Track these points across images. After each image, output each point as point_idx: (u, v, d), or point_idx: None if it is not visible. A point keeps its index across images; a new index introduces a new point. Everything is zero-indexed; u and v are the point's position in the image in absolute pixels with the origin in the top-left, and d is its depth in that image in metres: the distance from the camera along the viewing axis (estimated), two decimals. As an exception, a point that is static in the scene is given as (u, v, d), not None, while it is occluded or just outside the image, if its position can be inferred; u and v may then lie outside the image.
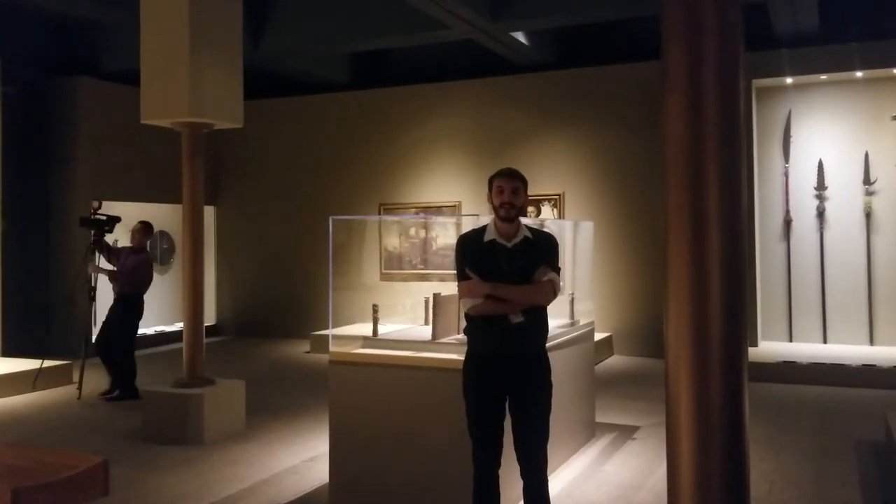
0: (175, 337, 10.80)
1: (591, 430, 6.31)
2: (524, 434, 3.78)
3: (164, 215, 11.80)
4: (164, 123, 6.65)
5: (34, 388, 8.16)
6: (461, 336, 4.95)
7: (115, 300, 8.00)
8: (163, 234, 12.56)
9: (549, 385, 3.88)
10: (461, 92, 11.48)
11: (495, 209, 3.75)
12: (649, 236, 10.38)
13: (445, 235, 11.15)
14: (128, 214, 11.98)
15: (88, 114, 11.08)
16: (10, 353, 9.23)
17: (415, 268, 11.30)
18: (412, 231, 11.50)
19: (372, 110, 12.08)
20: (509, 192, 3.73)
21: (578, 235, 6.46)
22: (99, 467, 3.89)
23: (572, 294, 6.00)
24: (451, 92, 11.54)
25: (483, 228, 3.83)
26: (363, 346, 4.97)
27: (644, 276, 10.42)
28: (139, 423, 6.66)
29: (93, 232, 8.06)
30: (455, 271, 3.90)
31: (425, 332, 5.14)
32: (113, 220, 8.19)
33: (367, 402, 4.75)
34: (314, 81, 12.39)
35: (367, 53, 12.30)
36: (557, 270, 3.87)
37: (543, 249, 3.80)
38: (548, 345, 3.99)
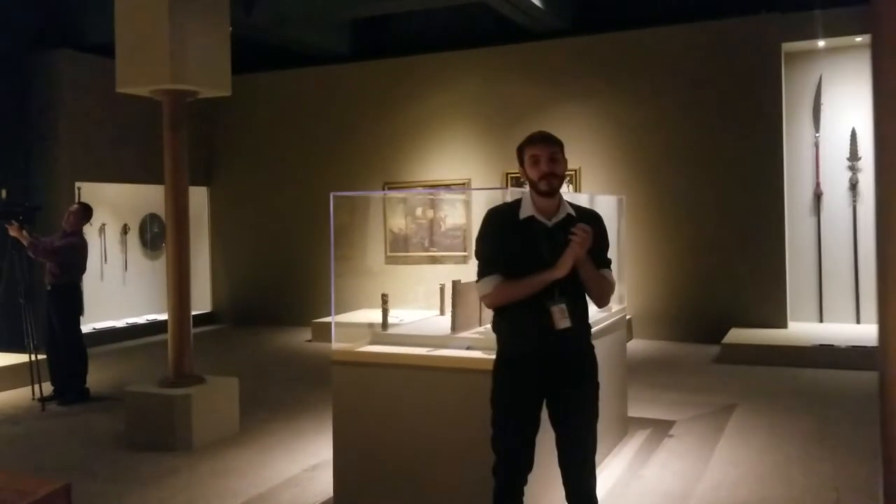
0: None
1: (624, 427, 5.68)
2: (573, 452, 3.16)
3: (154, 197, 11.14)
4: (143, 92, 5.97)
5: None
6: (484, 328, 4.32)
7: (49, 292, 7.27)
8: (153, 217, 11.92)
9: (598, 388, 3.24)
10: (470, 62, 10.75)
11: (533, 183, 3.10)
12: (671, 215, 9.72)
13: (454, 215, 10.48)
14: (114, 197, 11.41)
15: (70, 89, 10.37)
16: None
17: (426, 250, 10.64)
18: (419, 211, 10.83)
19: (375, 83, 11.35)
20: (546, 159, 3.08)
21: (610, 211, 5.79)
22: (60, 493, 3.27)
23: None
24: (459, 62, 10.81)
25: (517, 202, 3.18)
26: (371, 343, 4.33)
27: (664, 256, 9.76)
28: (122, 428, 6.03)
29: (8, 227, 7.08)
30: (474, 252, 3.23)
31: (442, 323, 4.51)
32: (30, 210, 7.35)
33: (375, 407, 4.11)
34: (313, 53, 11.64)
35: (369, 21, 11.56)
36: (608, 262, 3.23)
37: (592, 229, 3.08)
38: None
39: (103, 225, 11.24)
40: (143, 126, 10.04)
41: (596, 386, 3.24)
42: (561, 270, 2.99)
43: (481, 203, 10.44)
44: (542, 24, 10.05)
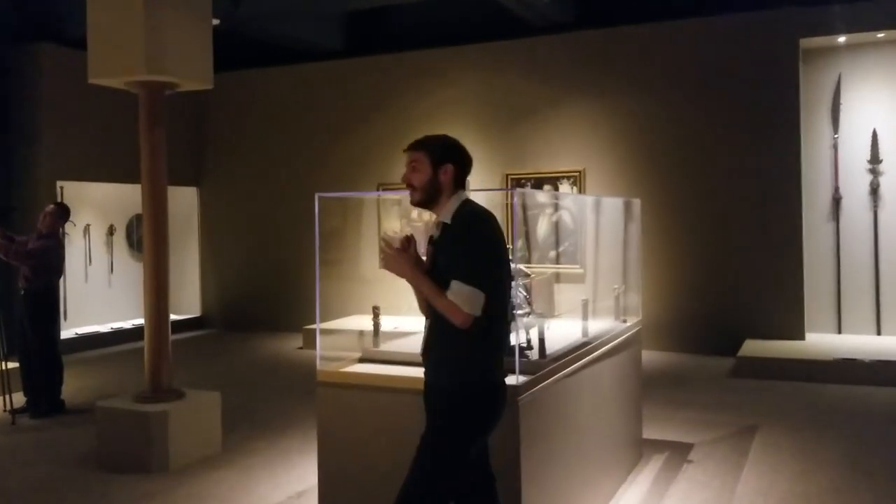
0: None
1: (638, 451, 5.21)
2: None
3: (140, 198, 10.64)
4: (117, 84, 5.51)
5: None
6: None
7: (22, 297, 6.81)
8: (140, 218, 11.41)
9: (444, 439, 2.92)
10: (469, 58, 10.28)
11: None
12: (681, 219, 9.25)
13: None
14: (99, 197, 10.93)
15: (51, 83, 9.89)
16: None
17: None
18: (415, 213, 10.35)
19: (369, 80, 10.88)
20: (407, 167, 2.94)
21: (624, 216, 5.32)
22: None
23: (619, 288, 4.88)
24: (457, 58, 10.34)
25: None
26: (361, 360, 3.86)
27: (673, 263, 9.30)
28: (94, 446, 5.55)
29: None
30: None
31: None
32: (4, 211, 6.88)
33: (365, 433, 3.63)
34: (305, 48, 11.17)
35: (364, 14, 11.08)
36: (467, 276, 2.70)
37: (452, 238, 2.82)
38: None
39: (88, 226, 10.78)
40: (128, 123, 9.51)
41: (440, 433, 2.83)
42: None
43: (482, 203, 9.97)
44: (546, 18, 9.59)
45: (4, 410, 6.67)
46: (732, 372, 7.95)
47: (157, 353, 5.50)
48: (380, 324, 3.96)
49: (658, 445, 5.49)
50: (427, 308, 2.90)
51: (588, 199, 4.63)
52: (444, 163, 2.87)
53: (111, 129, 10.22)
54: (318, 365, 3.71)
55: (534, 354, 3.62)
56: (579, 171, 9.33)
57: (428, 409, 2.92)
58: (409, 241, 2.89)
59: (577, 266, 8.80)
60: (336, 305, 10.12)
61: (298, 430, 6.07)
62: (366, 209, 10.68)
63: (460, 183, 2.92)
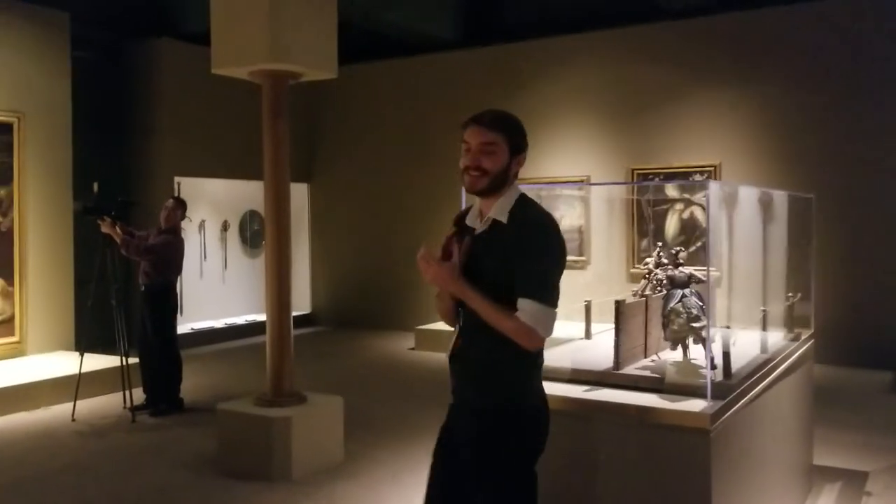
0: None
1: (809, 480, 4.61)
2: None
3: (253, 193, 10.62)
4: (240, 74, 5.29)
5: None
6: (652, 359, 3.41)
7: (142, 293, 6.73)
8: (253, 214, 11.46)
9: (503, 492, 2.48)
10: (592, 46, 9.72)
11: (462, 176, 2.47)
12: (845, 218, 8.25)
13: (571, 215, 9.50)
14: (213, 192, 10.98)
15: (170, 79, 9.95)
16: (88, 347, 7.93)
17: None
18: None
19: (486, 71, 10.47)
20: (477, 150, 2.41)
21: (792, 215, 4.72)
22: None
23: (793, 297, 4.29)
24: (579, 46, 9.79)
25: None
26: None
27: (827, 267, 8.46)
28: (215, 449, 5.38)
29: (100, 222, 6.51)
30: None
31: (591, 351, 3.62)
32: (124, 205, 6.78)
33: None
34: (418, 40, 10.87)
35: (479, 3, 10.67)
36: (542, 295, 2.33)
37: (513, 242, 2.35)
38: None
39: (203, 221, 10.84)
40: (244, 119, 9.52)
41: (501, 471, 2.39)
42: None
43: (602, 201, 9.45)
44: (674, 2, 8.91)
45: (124, 407, 6.63)
46: (893, 387, 7.14)
47: (279, 355, 5.26)
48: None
49: (828, 473, 4.86)
50: (455, 313, 2.48)
51: (753, 193, 4.05)
52: (521, 152, 2.47)
53: (228, 126, 10.22)
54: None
55: (715, 375, 3.13)
56: (714, 166, 8.64)
57: (459, 437, 2.46)
58: (454, 243, 2.42)
59: (713, 269, 8.13)
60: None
61: (425, 439, 5.70)
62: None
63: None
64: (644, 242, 8.91)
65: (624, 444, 2.90)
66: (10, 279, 7.75)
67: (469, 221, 2.50)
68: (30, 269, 7.92)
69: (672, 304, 3.25)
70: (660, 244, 4.13)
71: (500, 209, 2.41)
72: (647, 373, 3.21)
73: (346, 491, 4.77)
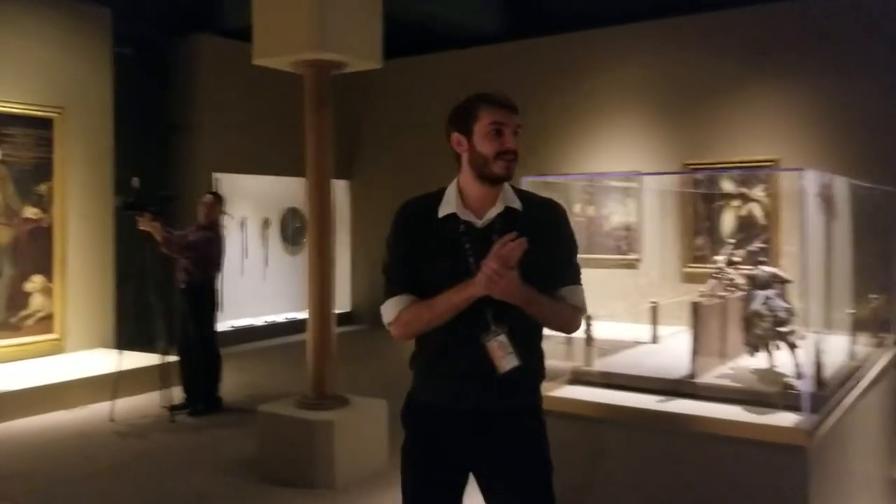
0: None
1: (891, 496, 4.26)
2: None
3: (294, 190, 10.49)
4: (283, 65, 5.10)
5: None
6: (730, 367, 3.12)
7: (182, 291, 6.57)
8: (294, 211, 11.32)
9: (550, 469, 2.28)
10: (641, 36, 9.34)
11: (482, 162, 2.22)
12: None
13: (621, 212, 9.18)
14: (253, 189, 10.86)
15: (209, 75, 9.85)
16: (127, 345, 7.74)
17: (585, 252, 9.36)
18: (577, 207, 9.57)
19: (529, 64, 10.16)
20: (512, 132, 2.22)
21: (874, 209, 4.37)
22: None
23: (877, 298, 3.96)
24: (627, 37, 9.44)
25: (437, 194, 2.36)
26: (571, 381, 3.19)
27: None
28: (254, 451, 5.19)
29: (138, 218, 6.35)
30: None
31: (659, 356, 3.34)
32: (164, 200, 6.64)
33: (577, 472, 2.96)
34: (462, 34, 10.60)
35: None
36: (573, 277, 2.29)
37: (543, 229, 2.22)
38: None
39: (244, 218, 10.73)
40: (284, 116, 9.35)
41: (547, 465, 2.26)
42: (479, 286, 2.09)
43: (652, 197, 9.09)
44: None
45: (163, 407, 6.49)
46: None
47: (320, 356, 5.05)
48: (593, 337, 3.27)
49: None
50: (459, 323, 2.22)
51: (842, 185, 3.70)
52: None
53: (268, 122, 10.10)
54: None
55: (802, 384, 2.83)
56: (773, 161, 8.24)
57: (495, 448, 2.23)
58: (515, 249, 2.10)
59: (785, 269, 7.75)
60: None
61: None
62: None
63: None
64: (699, 240, 8.54)
65: (706, 461, 2.63)
66: (50, 275, 7.68)
67: (461, 215, 2.25)
68: (70, 266, 7.84)
69: (755, 306, 2.97)
70: (732, 241, 3.83)
71: (509, 196, 2.26)
72: (727, 382, 2.93)
73: (392, 500, 4.53)
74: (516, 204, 2.24)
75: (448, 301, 2.15)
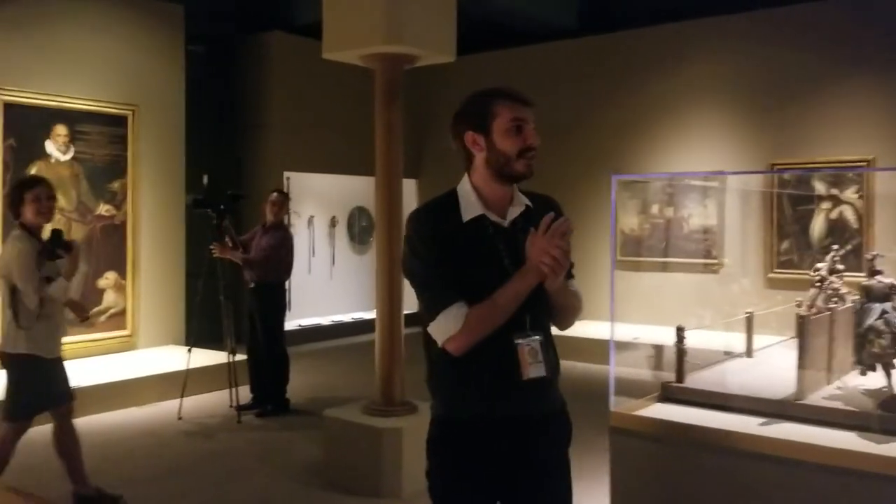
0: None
1: None
2: None
3: (362, 189, 10.41)
4: (353, 58, 4.95)
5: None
6: (837, 387, 2.82)
7: (251, 291, 6.51)
8: (361, 210, 11.24)
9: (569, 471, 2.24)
10: (722, 31, 8.92)
11: (503, 161, 2.13)
12: None
13: (701, 214, 8.78)
14: (321, 188, 10.82)
15: (280, 73, 9.83)
16: (196, 343, 7.82)
17: (661, 255, 9.01)
18: (655, 208, 9.22)
19: (604, 60, 9.84)
20: (532, 128, 2.15)
21: None
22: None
23: None
24: (707, 32, 9.03)
25: (449, 197, 2.24)
26: (661, 398, 2.93)
27: None
28: (320, 456, 5.07)
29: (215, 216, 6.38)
30: (408, 278, 2.22)
31: (754, 372, 3.05)
32: (233, 199, 6.62)
33: (671, 498, 2.71)
34: (535, 29, 10.34)
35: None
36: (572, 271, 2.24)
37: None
38: None
39: (312, 217, 10.71)
40: (354, 115, 9.29)
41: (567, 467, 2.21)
42: (534, 273, 2.01)
43: (734, 198, 8.69)
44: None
45: (231, 406, 6.44)
46: None
47: (388, 361, 4.89)
48: (685, 350, 3.00)
49: None
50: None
51: None
52: None
53: (338, 121, 10.05)
54: (612, 404, 2.82)
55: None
56: (868, 160, 7.74)
57: (538, 454, 2.14)
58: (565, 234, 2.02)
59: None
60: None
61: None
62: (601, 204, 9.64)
63: None
64: (785, 244, 8.09)
65: (815, 494, 2.34)
66: (122, 272, 7.74)
67: (490, 216, 2.16)
68: (142, 263, 7.90)
69: (871, 321, 2.66)
70: (835, 247, 3.51)
71: (518, 193, 2.22)
72: (839, 404, 2.64)
73: (461, 513, 4.34)
74: (527, 201, 2.20)
75: (514, 292, 2.05)
